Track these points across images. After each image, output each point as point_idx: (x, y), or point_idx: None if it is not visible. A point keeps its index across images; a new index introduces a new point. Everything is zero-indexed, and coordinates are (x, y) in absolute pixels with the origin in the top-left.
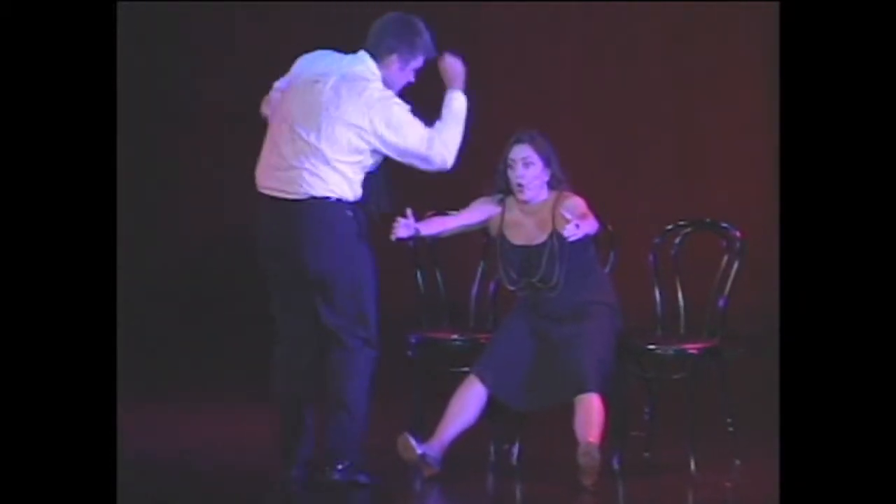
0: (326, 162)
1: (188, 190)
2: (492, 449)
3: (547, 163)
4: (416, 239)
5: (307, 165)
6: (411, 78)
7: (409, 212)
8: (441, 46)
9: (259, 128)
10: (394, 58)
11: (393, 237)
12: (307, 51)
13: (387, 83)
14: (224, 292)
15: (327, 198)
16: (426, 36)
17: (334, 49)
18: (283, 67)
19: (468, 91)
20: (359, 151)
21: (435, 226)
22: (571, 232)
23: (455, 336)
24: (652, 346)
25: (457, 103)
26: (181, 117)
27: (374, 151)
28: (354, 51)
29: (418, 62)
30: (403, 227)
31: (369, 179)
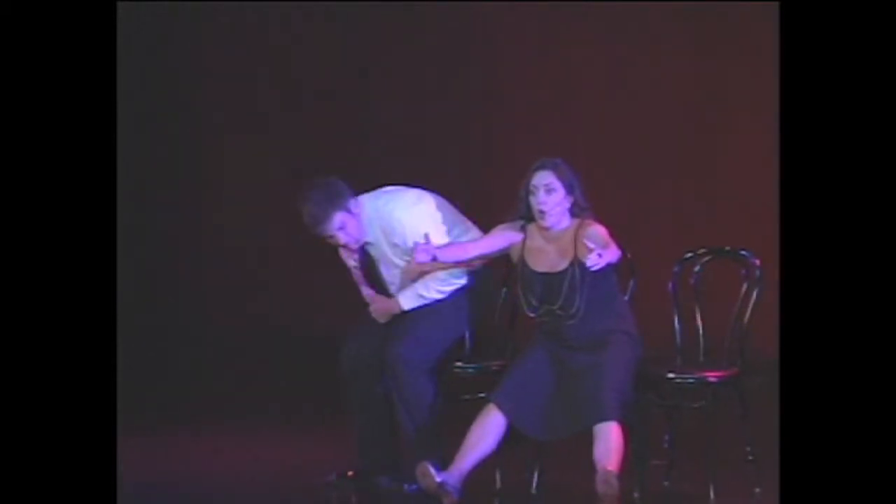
0: None
1: (188, 190)
2: (497, 476)
3: (570, 190)
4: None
5: None
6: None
7: (427, 236)
8: (456, 56)
9: (259, 127)
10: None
11: (412, 263)
12: (307, 50)
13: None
14: (227, 309)
15: None
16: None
17: (335, 49)
18: (283, 67)
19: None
20: None
21: (454, 252)
22: (594, 261)
23: (470, 364)
24: (671, 375)
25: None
26: (181, 117)
27: None
28: (354, 50)
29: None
30: (422, 252)
31: None
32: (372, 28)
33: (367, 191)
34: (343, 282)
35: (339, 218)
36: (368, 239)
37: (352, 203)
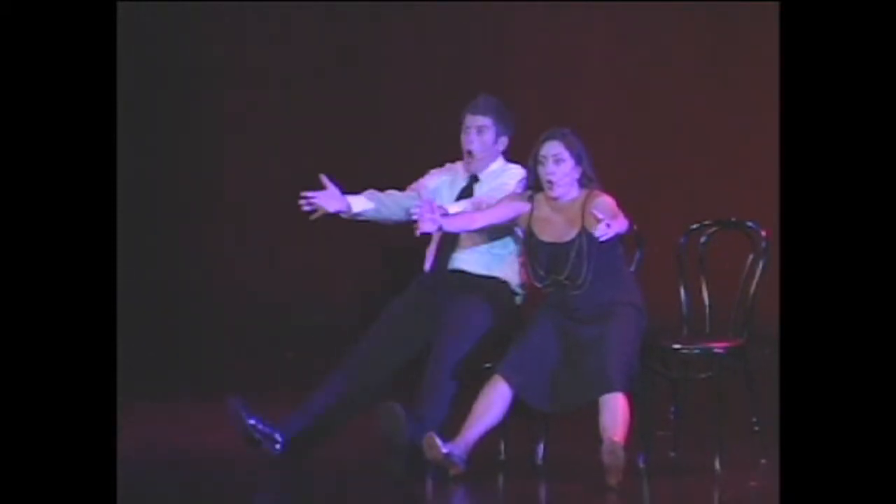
0: None
1: (188, 190)
2: (502, 447)
3: (578, 160)
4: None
5: None
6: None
7: (433, 206)
8: (467, 46)
9: (258, 127)
10: None
11: (417, 232)
12: (308, 51)
13: None
14: (224, 290)
15: None
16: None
17: (335, 48)
18: (283, 67)
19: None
20: None
21: (461, 222)
22: (602, 231)
23: None
24: (677, 346)
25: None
26: (181, 117)
27: None
28: (355, 50)
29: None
30: (428, 222)
31: None
32: (372, 26)
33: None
34: (349, 260)
35: (495, 127)
36: (479, 174)
37: (507, 138)
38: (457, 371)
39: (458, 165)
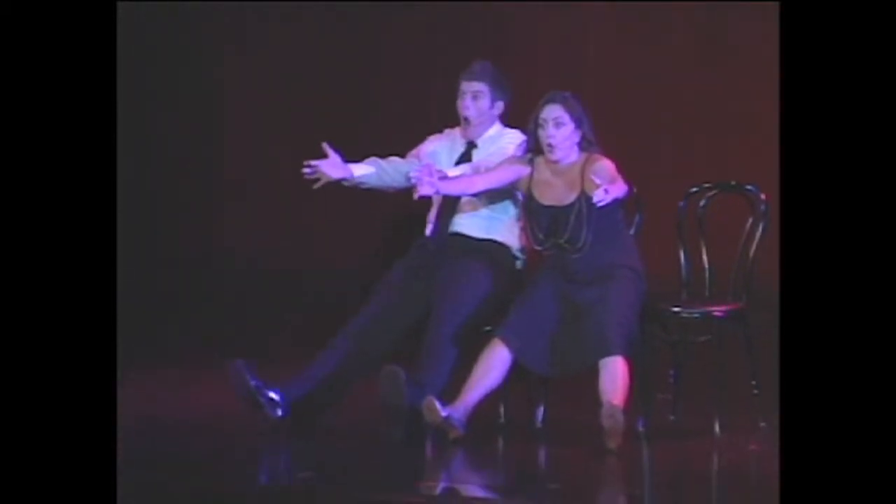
0: None
1: (188, 190)
2: (501, 411)
3: (578, 124)
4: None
5: None
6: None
7: (432, 169)
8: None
9: (258, 127)
10: None
11: (415, 195)
12: (307, 51)
13: None
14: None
15: None
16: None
17: (336, 47)
18: (283, 67)
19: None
20: None
21: (461, 185)
22: (601, 197)
23: None
24: (677, 309)
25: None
26: (182, 117)
27: None
28: (356, 51)
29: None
30: (427, 185)
31: None
32: (373, 25)
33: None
34: (351, 227)
35: (490, 93)
36: (476, 139)
37: (503, 102)
38: (457, 335)
39: (457, 131)
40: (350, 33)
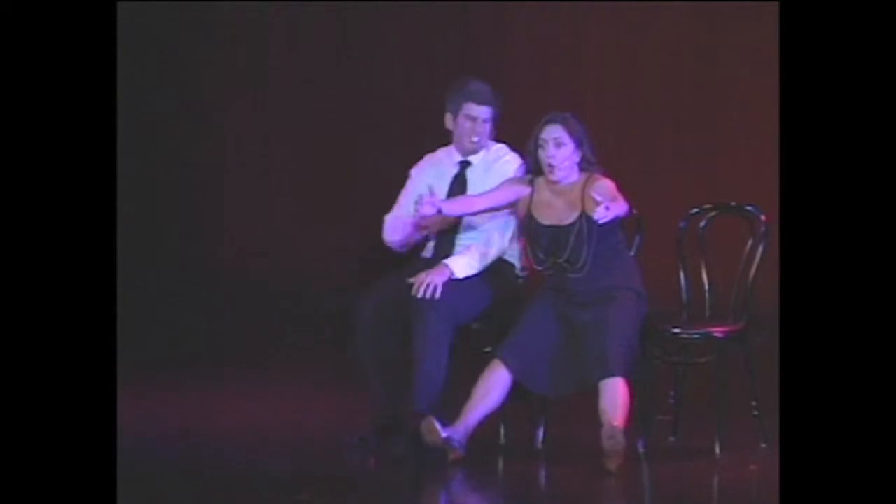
0: None
1: (188, 190)
2: (502, 431)
3: (579, 144)
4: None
5: None
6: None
7: (433, 189)
8: (466, 42)
9: (258, 126)
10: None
11: (417, 216)
12: (307, 51)
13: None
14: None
15: None
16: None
17: (336, 47)
18: (283, 67)
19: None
20: None
21: (461, 206)
22: (602, 215)
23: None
24: (677, 330)
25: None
26: (181, 117)
27: None
28: (357, 51)
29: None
30: (427, 205)
31: None
32: (373, 25)
33: (365, 176)
34: (356, 237)
35: (494, 118)
36: (471, 159)
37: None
38: (448, 333)
39: (440, 154)
40: (350, 33)
